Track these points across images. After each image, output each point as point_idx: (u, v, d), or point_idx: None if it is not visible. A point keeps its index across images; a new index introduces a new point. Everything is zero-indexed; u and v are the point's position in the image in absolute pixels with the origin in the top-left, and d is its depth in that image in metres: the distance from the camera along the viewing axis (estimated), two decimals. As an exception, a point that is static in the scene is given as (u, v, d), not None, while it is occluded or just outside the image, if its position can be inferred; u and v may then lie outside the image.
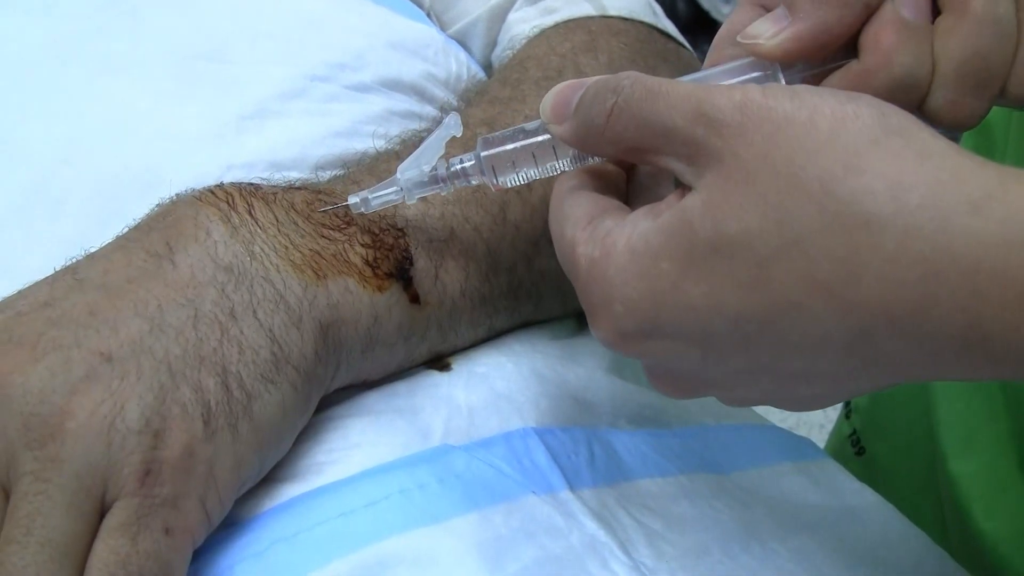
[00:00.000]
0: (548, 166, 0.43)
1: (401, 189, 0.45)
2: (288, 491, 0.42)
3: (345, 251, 0.45)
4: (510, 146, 0.43)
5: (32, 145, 0.51)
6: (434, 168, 0.45)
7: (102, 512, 0.37)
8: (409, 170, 0.45)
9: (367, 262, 0.45)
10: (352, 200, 0.45)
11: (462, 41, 0.68)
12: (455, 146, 0.48)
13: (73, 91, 0.54)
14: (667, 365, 0.39)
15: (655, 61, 0.63)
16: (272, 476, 0.42)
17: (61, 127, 0.52)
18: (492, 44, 0.68)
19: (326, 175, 0.50)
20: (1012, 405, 0.65)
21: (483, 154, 0.43)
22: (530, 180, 0.44)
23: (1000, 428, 0.66)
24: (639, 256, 0.36)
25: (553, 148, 0.42)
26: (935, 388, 0.71)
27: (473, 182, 0.44)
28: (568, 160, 0.43)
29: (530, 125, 0.43)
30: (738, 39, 0.41)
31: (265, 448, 0.41)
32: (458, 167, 0.44)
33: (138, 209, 0.45)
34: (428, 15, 0.68)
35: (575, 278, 0.39)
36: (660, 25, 0.67)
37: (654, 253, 0.36)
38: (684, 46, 0.68)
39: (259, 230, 0.44)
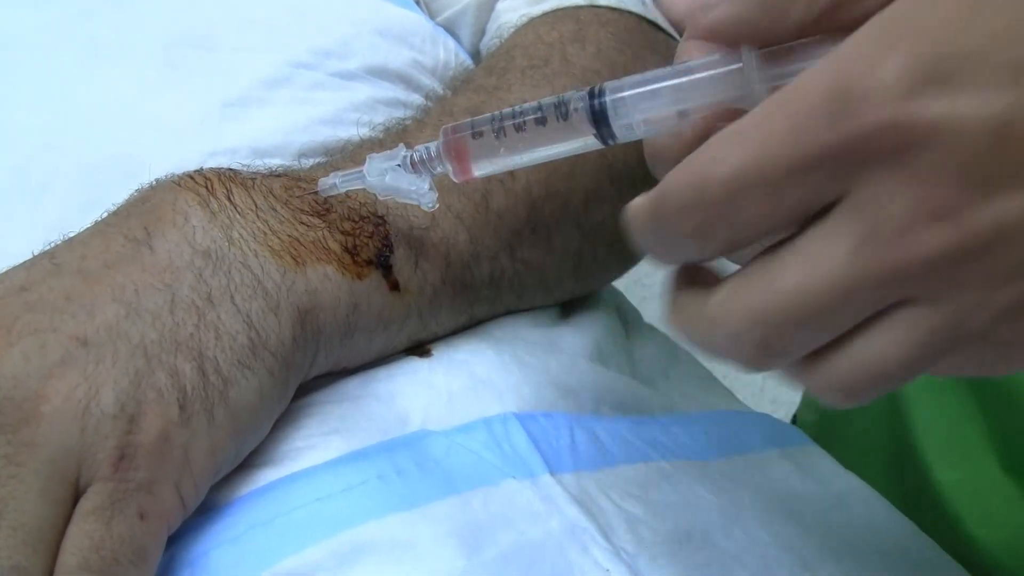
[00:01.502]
0: (524, 155, 0.41)
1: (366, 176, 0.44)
2: (265, 476, 0.42)
3: (324, 238, 0.45)
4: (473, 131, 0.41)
5: (15, 130, 0.51)
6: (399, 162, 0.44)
7: (76, 497, 0.37)
8: (381, 192, 0.44)
9: (346, 249, 0.45)
10: (322, 182, 0.45)
11: (450, 29, 0.68)
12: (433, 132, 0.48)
13: (58, 76, 0.54)
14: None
15: (644, 51, 0.63)
16: (249, 461, 0.42)
17: (45, 112, 0.52)
18: (481, 32, 0.67)
19: (309, 163, 0.50)
20: (985, 406, 0.65)
21: (444, 140, 0.42)
22: (505, 169, 0.42)
23: (978, 430, 0.66)
24: None
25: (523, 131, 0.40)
26: (907, 397, 0.71)
27: (437, 170, 0.43)
28: (546, 148, 0.40)
29: (506, 111, 0.41)
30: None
31: (241, 434, 0.41)
32: (421, 156, 0.43)
33: (120, 195, 0.45)
34: (417, 3, 0.68)
35: None
36: (649, 15, 0.67)
37: None
38: (673, 37, 0.68)
39: (238, 215, 0.44)
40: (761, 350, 0.32)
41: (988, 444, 0.65)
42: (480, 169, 0.42)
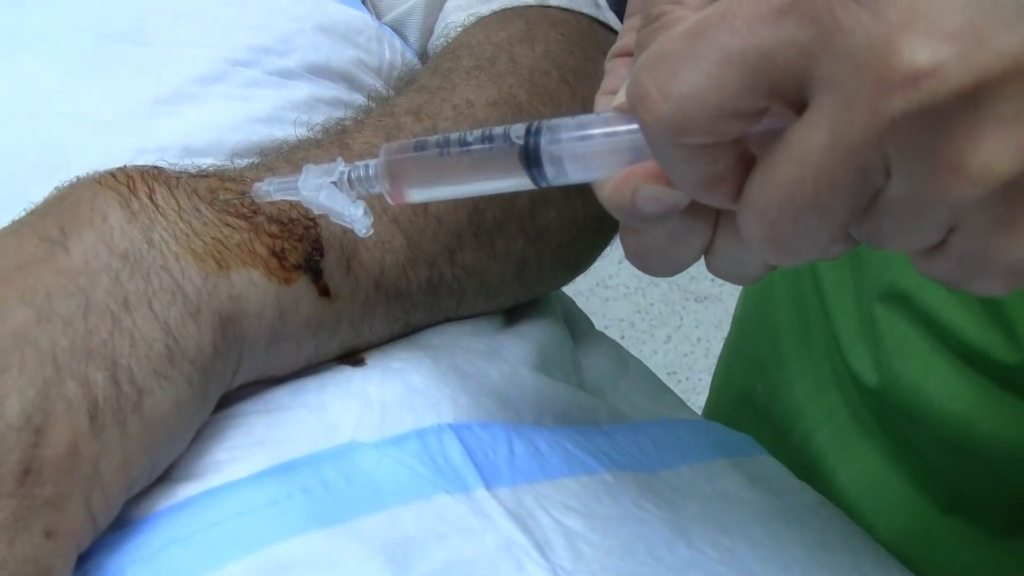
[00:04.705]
0: (464, 186, 0.39)
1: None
2: (184, 490, 0.40)
3: (251, 240, 0.43)
4: (415, 155, 0.39)
5: None
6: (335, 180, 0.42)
7: None
8: (315, 209, 0.42)
9: (273, 253, 0.44)
10: (256, 187, 0.43)
11: (398, 29, 0.66)
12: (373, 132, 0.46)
13: None
14: None
15: (594, 53, 0.62)
16: (168, 475, 0.41)
17: None
18: (429, 33, 0.66)
19: (243, 162, 0.49)
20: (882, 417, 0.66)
21: (383, 161, 0.40)
22: (442, 199, 0.40)
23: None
24: None
25: (470, 164, 0.38)
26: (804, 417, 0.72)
27: (374, 189, 0.41)
28: (485, 181, 0.38)
29: (453, 135, 0.38)
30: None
31: (156, 447, 0.39)
32: (359, 174, 0.41)
33: (40, 192, 0.43)
34: (363, 2, 0.66)
35: None
36: (602, 17, 0.65)
37: None
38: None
39: (159, 216, 0.42)
40: (774, 246, 0.32)
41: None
42: (415, 195, 0.40)
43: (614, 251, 0.65)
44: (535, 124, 0.36)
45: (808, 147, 0.29)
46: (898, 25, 0.27)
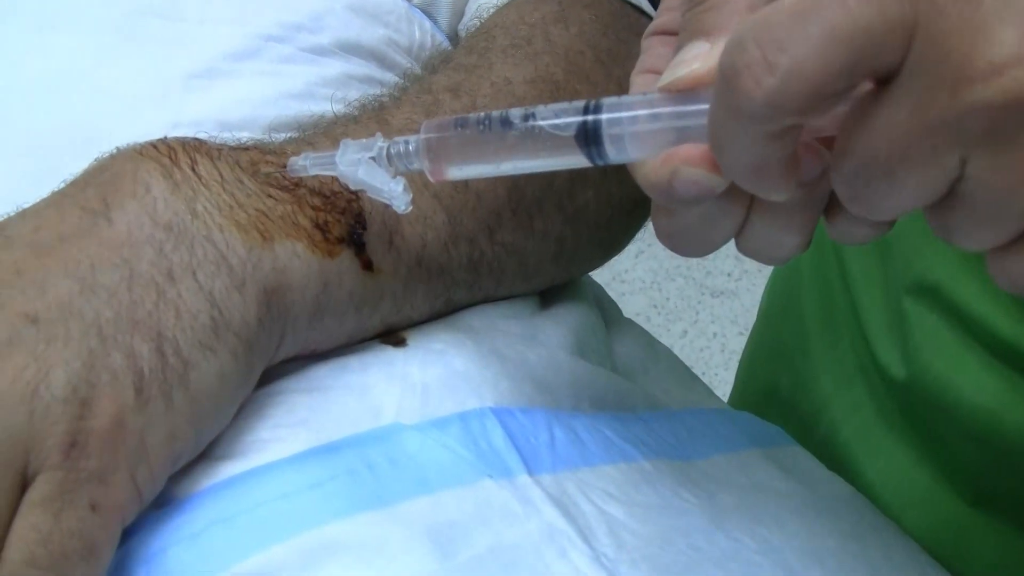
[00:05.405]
0: (506, 164, 0.38)
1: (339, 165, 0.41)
2: (227, 469, 0.40)
3: (294, 213, 0.43)
4: (459, 132, 0.38)
5: None
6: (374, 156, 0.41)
7: (24, 486, 0.34)
8: (353, 184, 0.41)
9: (317, 225, 0.43)
10: (292, 162, 0.42)
11: (427, 11, 0.66)
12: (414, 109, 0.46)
13: (10, 44, 0.51)
14: None
15: (627, 35, 0.61)
16: (211, 452, 0.40)
17: None
18: (459, 15, 0.66)
19: (280, 137, 0.48)
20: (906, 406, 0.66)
21: (424, 137, 0.39)
22: (482, 176, 0.39)
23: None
24: None
25: (512, 143, 0.37)
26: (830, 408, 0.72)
27: (413, 166, 0.40)
28: (530, 159, 0.37)
29: (495, 113, 0.37)
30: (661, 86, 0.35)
31: (202, 420, 0.38)
32: (399, 150, 0.40)
33: (76, 166, 0.42)
34: (392, -18, 0.66)
35: None
36: None
37: None
38: (657, 21, 0.66)
39: (202, 187, 0.41)
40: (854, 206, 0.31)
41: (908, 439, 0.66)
42: (455, 173, 0.39)
43: (631, 245, 0.64)
44: (592, 103, 0.35)
45: (886, 120, 0.29)
46: (991, 13, 0.27)
